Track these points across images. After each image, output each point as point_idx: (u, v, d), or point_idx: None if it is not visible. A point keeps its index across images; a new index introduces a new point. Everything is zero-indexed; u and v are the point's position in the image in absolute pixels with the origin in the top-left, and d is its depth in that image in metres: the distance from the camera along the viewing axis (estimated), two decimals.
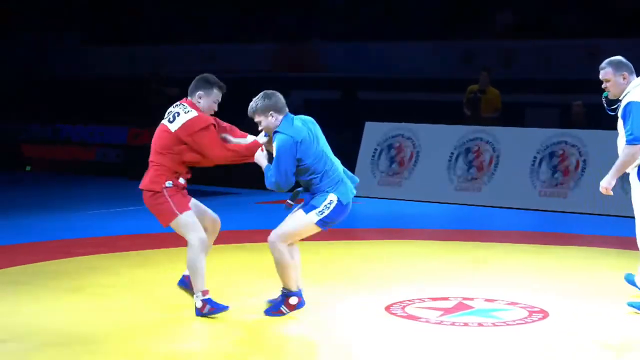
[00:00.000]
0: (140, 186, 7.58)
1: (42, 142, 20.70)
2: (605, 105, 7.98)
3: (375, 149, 16.31)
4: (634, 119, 7.58)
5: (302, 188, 7.54)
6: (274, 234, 7.40)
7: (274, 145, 7.30)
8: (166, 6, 25.91)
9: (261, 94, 7.48)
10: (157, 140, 7.59)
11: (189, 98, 7.62)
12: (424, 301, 8.28)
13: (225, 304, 7.53)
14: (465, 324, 7.55)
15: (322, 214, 7.33)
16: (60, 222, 12.99)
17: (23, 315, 7.80)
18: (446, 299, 8.37)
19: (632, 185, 7.79)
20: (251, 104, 7.44)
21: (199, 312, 7.49)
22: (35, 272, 9.40)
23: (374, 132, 16.51)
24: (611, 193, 7.77)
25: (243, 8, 24.87)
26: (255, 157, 7.52)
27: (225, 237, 10.19)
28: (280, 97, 7.49)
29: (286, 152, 7.24)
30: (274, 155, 7.30)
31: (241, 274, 9.43)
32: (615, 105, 7.90)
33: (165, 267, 9.54)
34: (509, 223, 13.28)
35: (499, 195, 14.75)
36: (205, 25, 24.93)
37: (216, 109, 7.71)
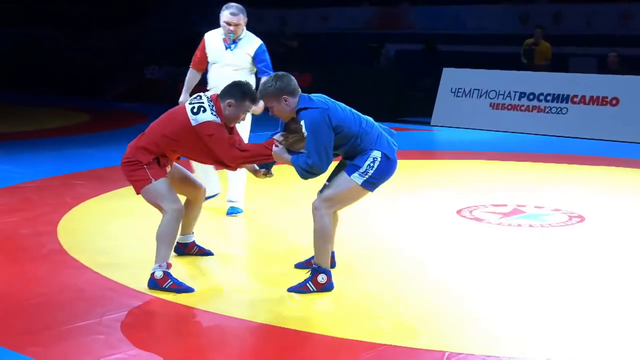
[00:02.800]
0: (124, 156, 5.65)
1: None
2: (232, 43, 7.64)
3: (452, 89, 16.27)
4: (268, 56, 7.66)
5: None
6: (317, 199, 5.49)
7: (303, 124, 5.26)
8: None
9: (272, 76, 5.44)
10: (169, 121, 5.65)
11: (218, 99, 5.61)
12: (487, 207, 8.26)
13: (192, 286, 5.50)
14: (519, 225, 7.53)
15: (366, 174, 5.39)
16: None
17: None
18: (504, 205, 8.34)
19: None
20: (260, 87, 5.48)
21: (156, 284, 5.40)
22: None
23: (450, 76, 16.47)
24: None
25: None
26: (274, 153, 5.40)
27: None
28: (292, 79, 5.40)
29: (321, 125, 5.25)
30: (306, 135, 5.27)
31: None
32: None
33: None
34: (558, 148, 13.14)
35: (548, 125, 14.71)
36: None
37: (244, 120, 5.77)
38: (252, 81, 7.45)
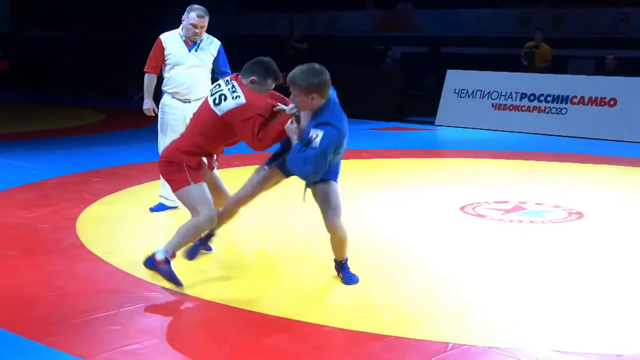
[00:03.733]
0: (163, 155, 5.56)
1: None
2: (194, 45, 7.27)
3: (455, 90, 16.24)
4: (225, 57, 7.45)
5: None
6: (328, 221, 5.34)
7: (320, 134, 5.02)
8: None
9: (308, 66, 5.12)
10: (199, 119, 5.47)
11: (240, 77, 5.38)
12: (489, 203, 8.25)
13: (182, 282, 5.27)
14: (520, 222, 7.52)
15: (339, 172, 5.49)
16: None
17: None
18: (506, 202, 8.33)
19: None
20: (295, 73, 5.08)
21: (152, 262, 5.21)
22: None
23: (453, 77, 16.44)
24: None
25: None
26: (286, 127, 5.19)
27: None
28: (327, 80, 5.10)
29: (331, 147, 5.10)
30: (315, 145, 5.02)
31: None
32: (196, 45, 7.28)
33: None
34: (558, 147, 13.11)
35: (546, 125, 14.70)
36: None
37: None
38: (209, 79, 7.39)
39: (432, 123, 15.95)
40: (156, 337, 4.63)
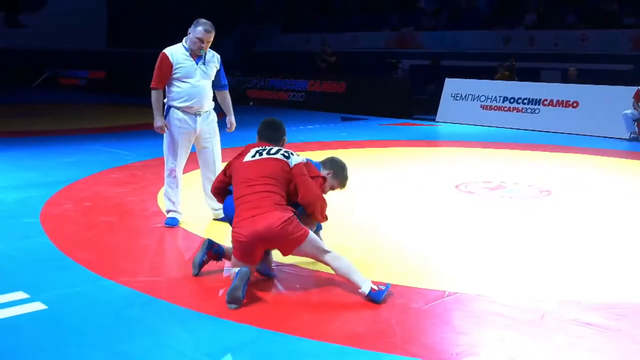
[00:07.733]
0: (270, 223, 4.22)
1: (258, 88, 20.97)
2: (200, 58, 5.88)
3: (452, 94, 16.16)
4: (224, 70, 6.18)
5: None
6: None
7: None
8: (327, 8, 25.84)
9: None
10: (267, 169, 4.50)
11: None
12: (478, 183, 8.19)
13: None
14: (501, 197, 7.46)
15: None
16: None
17: None
18: (491, 182, 8.26)
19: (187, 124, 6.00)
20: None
21: (379, 295, 4.22)
22: None
23: (450, 84, 16.37)
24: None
25: (372, 9, 24.65)
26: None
27: (359, 144, 10.17)
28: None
29: None
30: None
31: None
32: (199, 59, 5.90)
33: None
34: (532, 139, 12.98)
35: (528, 121, 14.57)
36: (350, 19, 24.79)
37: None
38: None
39: (434, 120, 15.87)
40: (222, 282, 4.64)
